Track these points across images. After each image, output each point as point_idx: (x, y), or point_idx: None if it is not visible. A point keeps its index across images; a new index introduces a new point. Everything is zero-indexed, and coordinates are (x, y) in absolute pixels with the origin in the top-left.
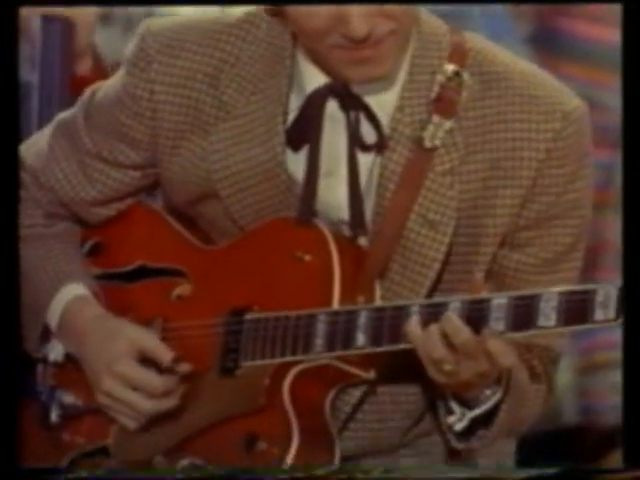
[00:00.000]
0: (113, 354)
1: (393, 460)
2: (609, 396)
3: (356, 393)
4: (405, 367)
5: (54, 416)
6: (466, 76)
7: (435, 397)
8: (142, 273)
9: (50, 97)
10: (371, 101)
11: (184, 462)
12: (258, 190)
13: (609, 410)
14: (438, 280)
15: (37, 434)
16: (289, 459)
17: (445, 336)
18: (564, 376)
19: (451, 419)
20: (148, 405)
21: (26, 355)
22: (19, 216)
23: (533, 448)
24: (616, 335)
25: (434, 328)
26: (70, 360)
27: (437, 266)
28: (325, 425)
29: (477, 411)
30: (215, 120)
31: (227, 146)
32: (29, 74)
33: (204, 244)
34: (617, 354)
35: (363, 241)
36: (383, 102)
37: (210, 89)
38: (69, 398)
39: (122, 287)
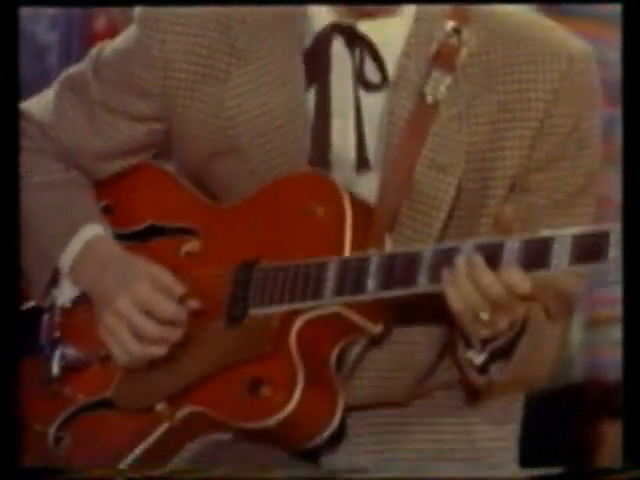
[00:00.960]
0: (131, 279)
1: (406, 411)
2: (610, 352)
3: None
4: (421, 318)
5: (55, 368)
6: (466, 33)
7: (453, 335)
8: (152, 232)
9: (69, 54)
10: (376, 40)
11: (185, 411)
12: (277, 134)
13: (610, 366)
14: (447, 226)
15: (37, 392)
16: (291, 406)
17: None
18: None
19: (470, 353)
20: (155, 331)
21: (29, 311)
22: (29, 167)
23: (537, 407)
24: (617, 291)
25: (467, 279)
26: (77, 305)
27: (446, 208)
28: (330, 377)
29: (498, 343)
30: (229, 67)
31: (244, 92)
32: (47, 34)
33: (215, 203)
34: (618, 310)
35: (367, 181)
36: (388, 43)
37: (222, 37)
38: (71, 350)
39: (132, 247)
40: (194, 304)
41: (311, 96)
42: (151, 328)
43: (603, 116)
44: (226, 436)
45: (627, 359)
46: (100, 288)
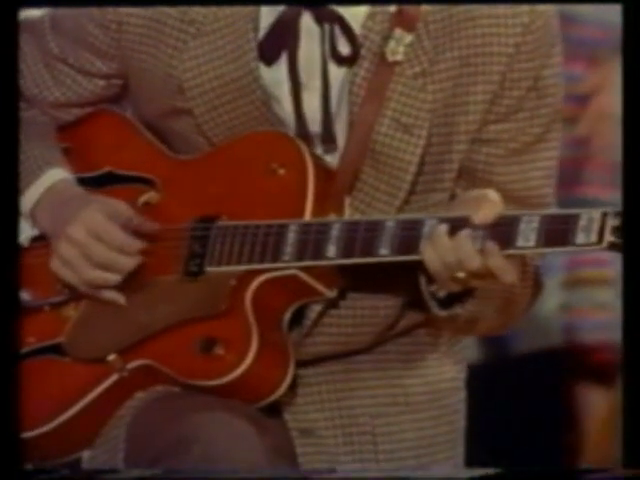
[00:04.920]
0: (85, 209)
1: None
2: (593, 314)
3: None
4: (383, 276)
5: None
6: None
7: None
8: (109, 179)
9: None
10: (345, 13)
11: (136, 363)
12: (232, 107)
13: (593, 327)
14: (412, 183)
15: None
16: (243, 367)
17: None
18: (549, 291)
19: (433, 287)
20: (106, 254)
21: None
22: None
23: (519, 370)
24: (604, 253)
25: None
26: (33, 248)
27: (413, 169)
28: (282, 339)
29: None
30: (184, 35)
31: (199, 64)
32: None
33: (174, 155)
34: (603, 272)
35: (332, 158)
36: (356, 14)
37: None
38: (24, 294)
39: (88, 192)
40: (150, 226)
41: (273, 70)
42: (102, 251)
43: (577, 74)
44: (176, 388)
45: (627, 359)
46: (57, 221)
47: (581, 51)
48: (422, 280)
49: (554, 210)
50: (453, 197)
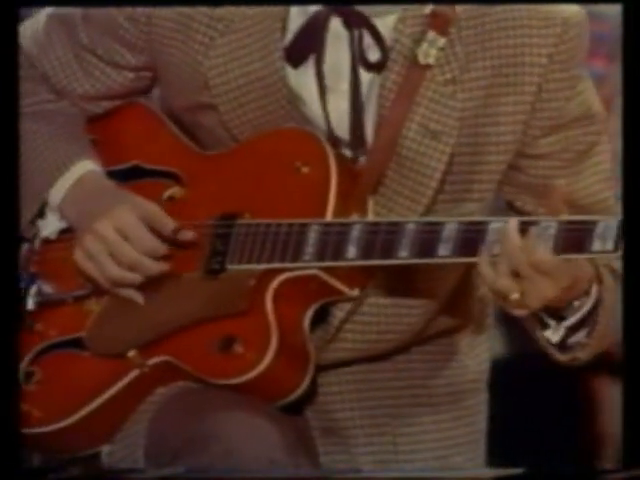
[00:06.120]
0: (115, 205)
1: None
2: None
3: (349, 305)
4: (407, 281)
5: (30, 303)
6: None
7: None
8: (136, 173)
9: None
10: (375, 19)
11: (155, 359)
12: (258, 105)
13: None
14: (438, 192)
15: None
16: (262, 366)
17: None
18: None
19: (548, 332)
20: (132, 255)
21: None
22: (21, 95)
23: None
24: None
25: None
26: (60, 241)
27: (438, 176)
28: (302, 338)
29: (572, 319)
30: (211, 31)
31: (226, 61)
32: None
33: (201, 149)
34: None
35: (363, 161)
36: (386, 18)
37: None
38: (48, 287)
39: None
40: (188, 235)
41: (300, 72)
42: (128, 252)
43: (597, 71)
44: (196, 385)
45: (627, 359)
46: (86, 218)
47: (601, 48)
48: (535, 327)
49: (571, 217)
50: (512, 208)
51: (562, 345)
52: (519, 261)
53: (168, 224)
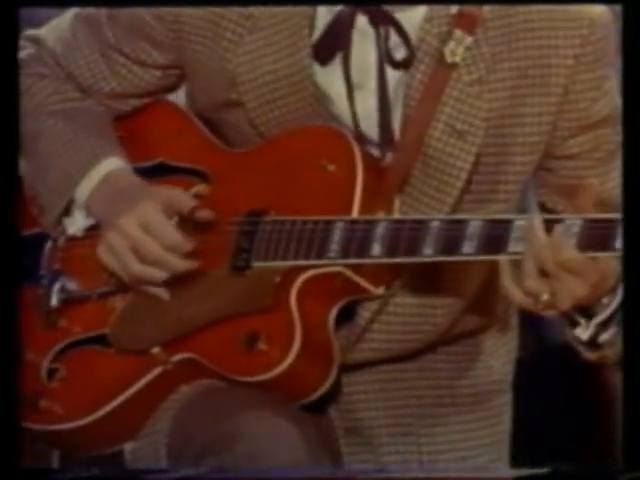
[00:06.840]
0: (140, 199)
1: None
2: None
3: (374, 305)
4: (432, 281)
5: (55, 300)
6: None
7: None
8: (161, 170)
9: None
10: (400, 17)
11: (179, 356)
12: (285, 102)
13: None
14: (464, 192)
15: (33, 320)
16: (286, 363)
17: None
18: None
19: (577, 330)
20: (156, 251)
21: (33, 237)
22: (46, 94)
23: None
24: None
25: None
26: (85, 238)
27: (464, 176)
28: (326, 336)
29: (601, 316)
30: (240, 29)
31: (253, 58)
32: None
33: (227, 147)
34: None
35: (389, 160)
36: (412, 18)
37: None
38: (72, 284)
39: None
40: (206, 213)
41: (328, 70)
42: (153, 248)
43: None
44: (220, 383)
45: (627, 359)
46: (112, 215)
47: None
48: (565, 326)
49: (595, 215)
50: (545, 209)
51: (592, 343)
52: (546, 260)
53: (188, 203)
